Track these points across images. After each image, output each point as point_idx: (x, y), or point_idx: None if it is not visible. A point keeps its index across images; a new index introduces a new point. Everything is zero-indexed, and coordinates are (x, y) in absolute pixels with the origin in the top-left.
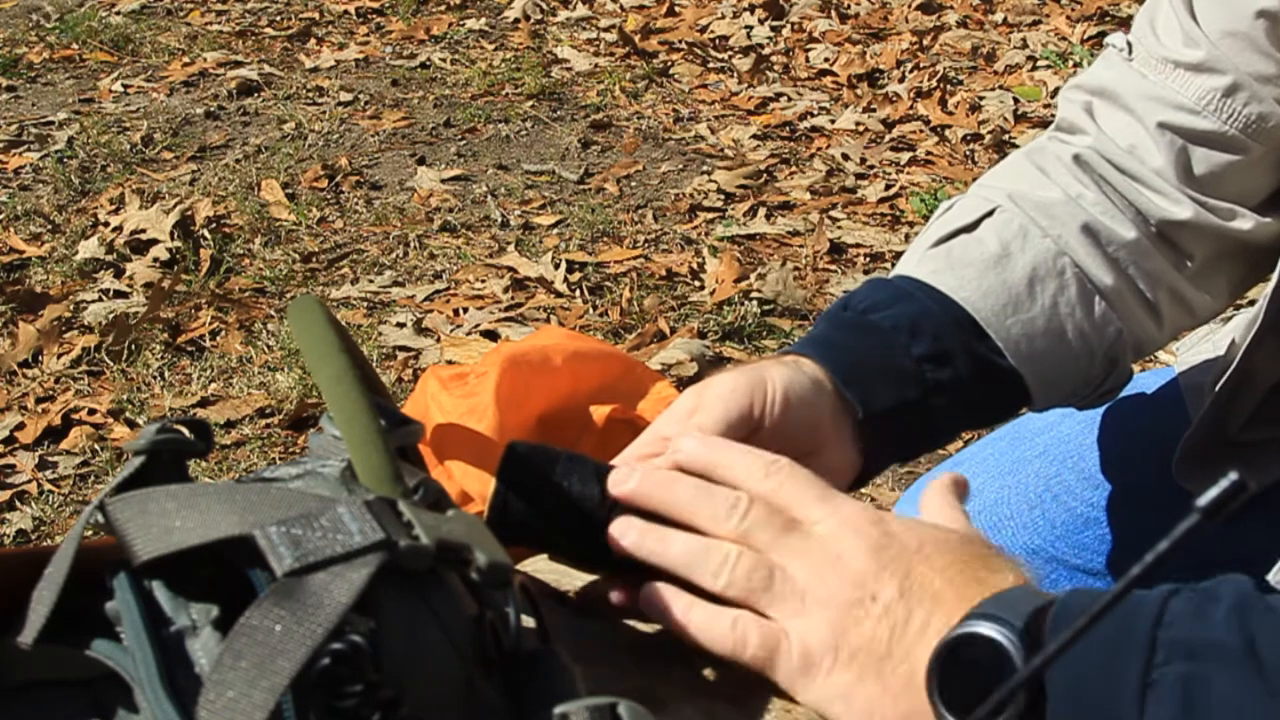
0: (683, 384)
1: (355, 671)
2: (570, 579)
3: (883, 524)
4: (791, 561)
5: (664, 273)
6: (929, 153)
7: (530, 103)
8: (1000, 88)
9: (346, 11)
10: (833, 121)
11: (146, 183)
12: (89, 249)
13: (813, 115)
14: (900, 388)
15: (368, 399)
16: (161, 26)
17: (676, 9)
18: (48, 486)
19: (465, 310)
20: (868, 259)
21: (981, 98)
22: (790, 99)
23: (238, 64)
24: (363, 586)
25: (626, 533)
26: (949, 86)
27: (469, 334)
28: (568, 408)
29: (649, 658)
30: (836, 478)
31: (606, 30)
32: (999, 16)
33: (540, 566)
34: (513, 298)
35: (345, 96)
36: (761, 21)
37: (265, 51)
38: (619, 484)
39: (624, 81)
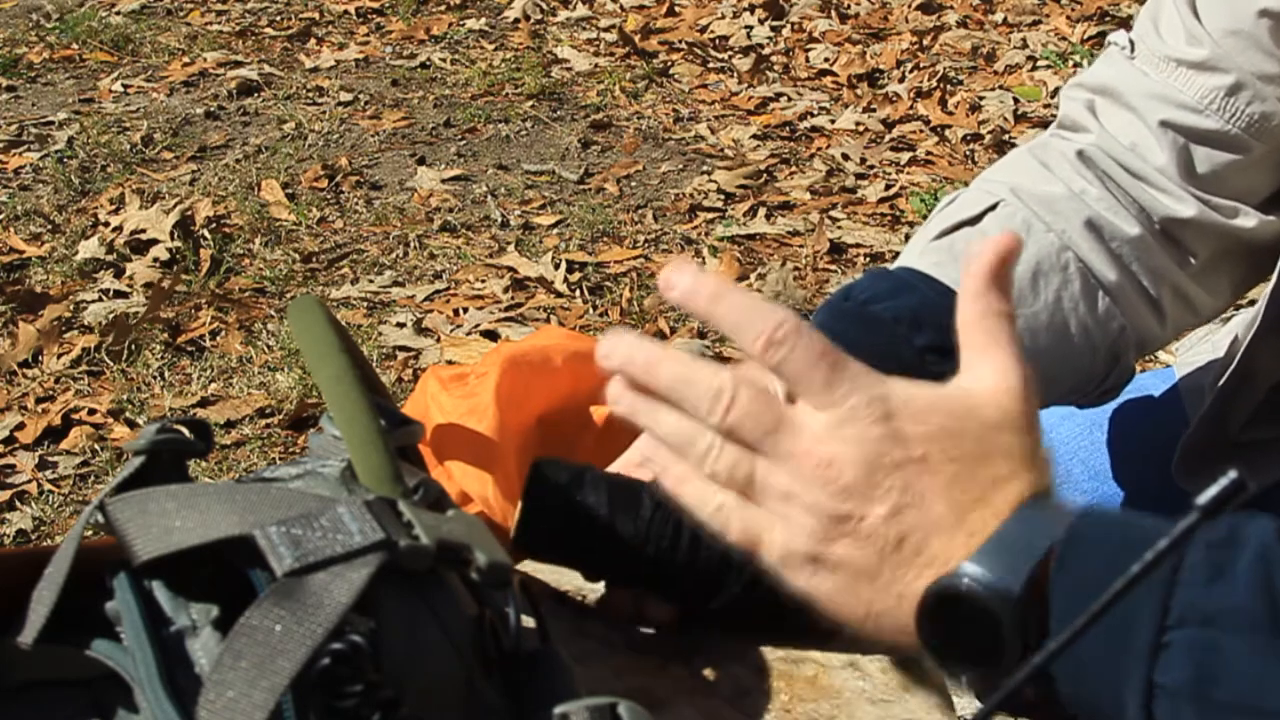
0: None
1: (355, 671)
2: (570, 579)
3: (889, 421)
4: (777, 462)
5: None
6: (929, 153)
7: (530, 103)
8: (1000, 88)
9: (346, 11)
10: (833, 121)
11: (146, 183)
12: (89, 249)
13: (813, 115)
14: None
15: (368, 399)
16: (161, 26)
17: (676, 9)
18: (48, 486)
19: (465, 310)
20: (868, 259)
21: (981, 98)
22: (790, 99)
23: (238, 64)
24: (363, 586)
25: (619, 399)
26: (949, 86)
27: (469, 334)
28: (568, 408)
29: (649, 658)
30: None
31: (606, 30)
32: (999, 16)
33: (540, 566)
34: (513, 298)
35: (345, 96)
36: (761, 21)
37: (265, 51)
38: (605, 356)
39: (624, 81)
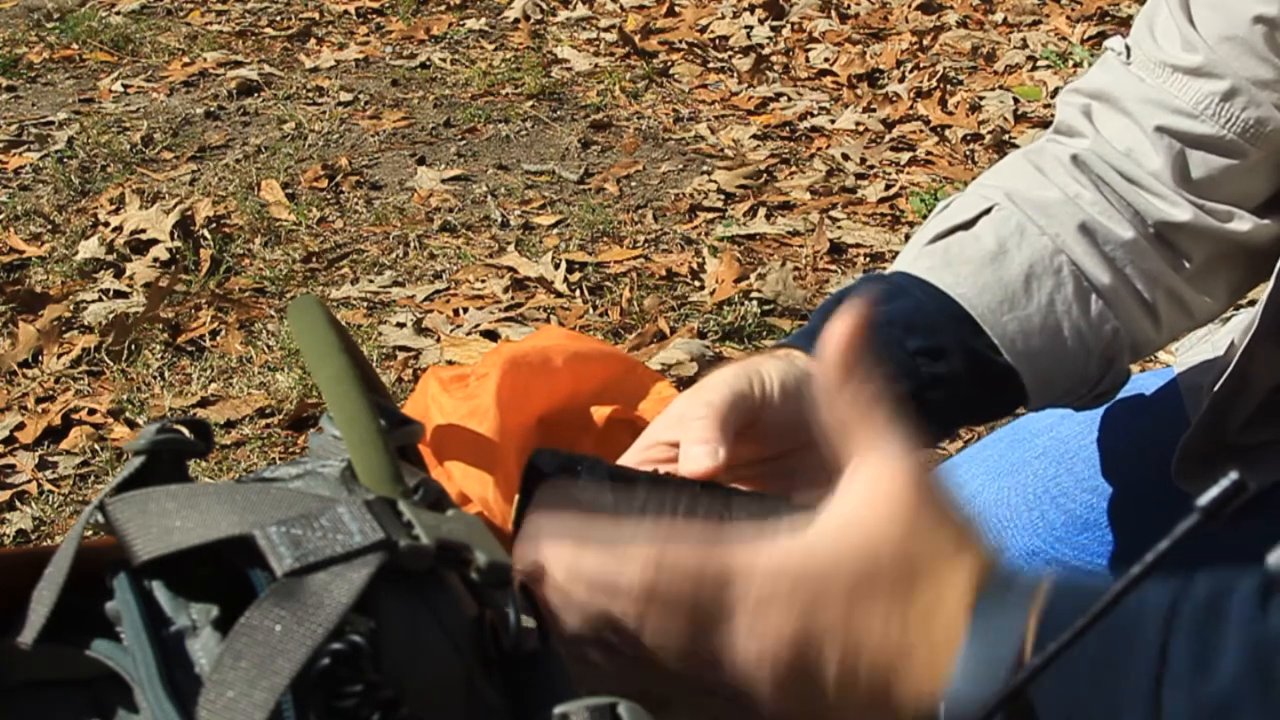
0: (683, 384)
1: (355, 671)
2: None
3: (794, 598)
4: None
5: (664, 273)
6: (929, 153)
7: (530, 103)
8: (1000, 88)
9: (346, 11)
10: (833, 121)
11: (146, 183)
12: (89, 249)
13: (813, 115)
14: (895, 381)
15: (368, 399)
16: (161, 26)
17: (676, 9)
18: (48, 486)
19: (465, 310)
20: (868, 259)
21: (981, 98)
22: (790, 99)
23: (238, 64)
24: (363, 586)
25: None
26: (949, 86)
27: (469, 334)
28: (568, 409)
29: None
30: (831, 473)
31: (606, 30)
32: (999, 16)
33: None
34: (513, 298)
35: (345, 96)
36: (761, 21)
37: (265, 51)
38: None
39: (624, 81)
